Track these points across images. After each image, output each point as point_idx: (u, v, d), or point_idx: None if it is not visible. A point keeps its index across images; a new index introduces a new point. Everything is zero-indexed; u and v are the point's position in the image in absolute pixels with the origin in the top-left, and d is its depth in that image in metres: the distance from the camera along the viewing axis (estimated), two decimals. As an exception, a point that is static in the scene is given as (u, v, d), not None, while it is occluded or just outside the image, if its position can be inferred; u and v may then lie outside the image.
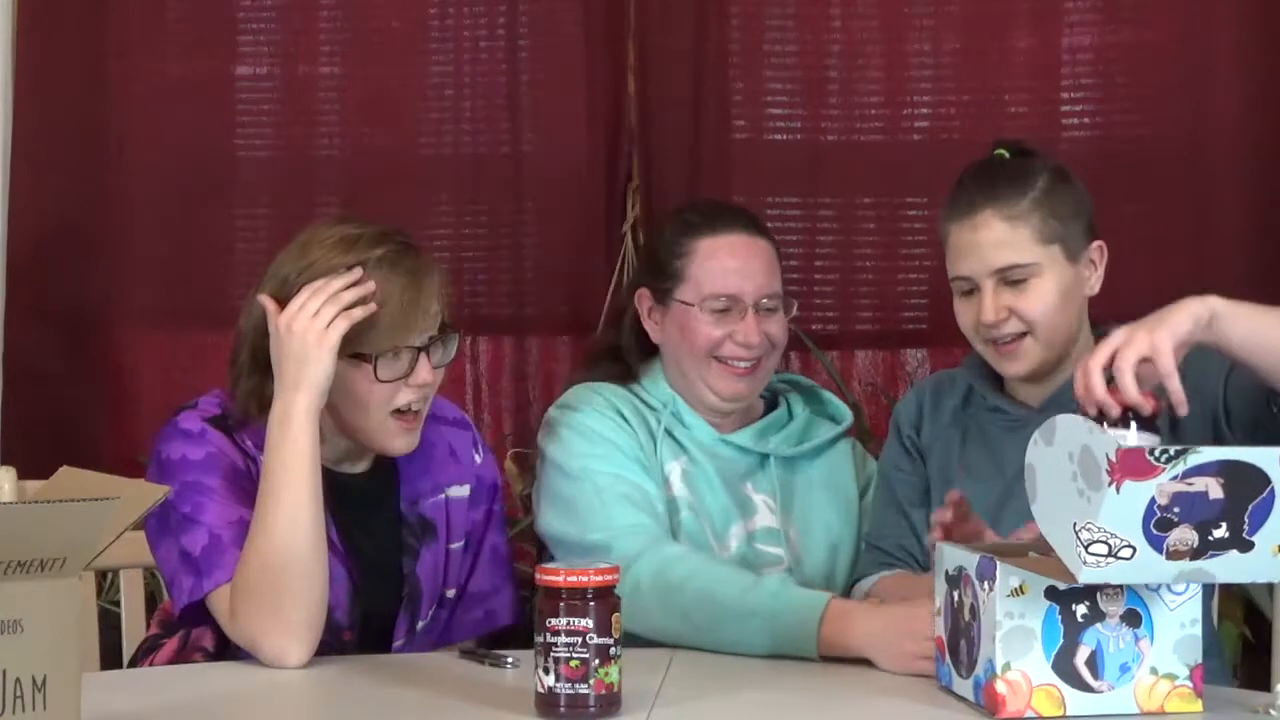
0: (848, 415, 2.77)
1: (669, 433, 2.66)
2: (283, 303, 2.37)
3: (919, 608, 2.20)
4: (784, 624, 2.31)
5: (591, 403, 2.66)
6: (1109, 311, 2.49)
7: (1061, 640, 1.98)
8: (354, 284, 2.36)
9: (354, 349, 2.37)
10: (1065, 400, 2.24)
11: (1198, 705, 2.01)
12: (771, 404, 2.78)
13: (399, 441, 2.44)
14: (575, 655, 1.97)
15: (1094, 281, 2.52)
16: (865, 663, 2.26)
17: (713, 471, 2.66)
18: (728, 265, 2.66)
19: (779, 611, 2.32)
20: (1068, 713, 1.99)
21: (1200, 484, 1.83)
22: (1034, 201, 2.45)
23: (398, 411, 2.42)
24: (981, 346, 2.51)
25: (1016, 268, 2.44)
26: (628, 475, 2.59)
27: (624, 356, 2.76)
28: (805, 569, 2.64)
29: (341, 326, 2.34)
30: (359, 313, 2.35)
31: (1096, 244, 2.51)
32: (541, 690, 2.00)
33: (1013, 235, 2.44)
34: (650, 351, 2.76)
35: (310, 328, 2.33)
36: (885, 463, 2.65)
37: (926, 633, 2.16)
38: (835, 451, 2.74)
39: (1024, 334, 2.46)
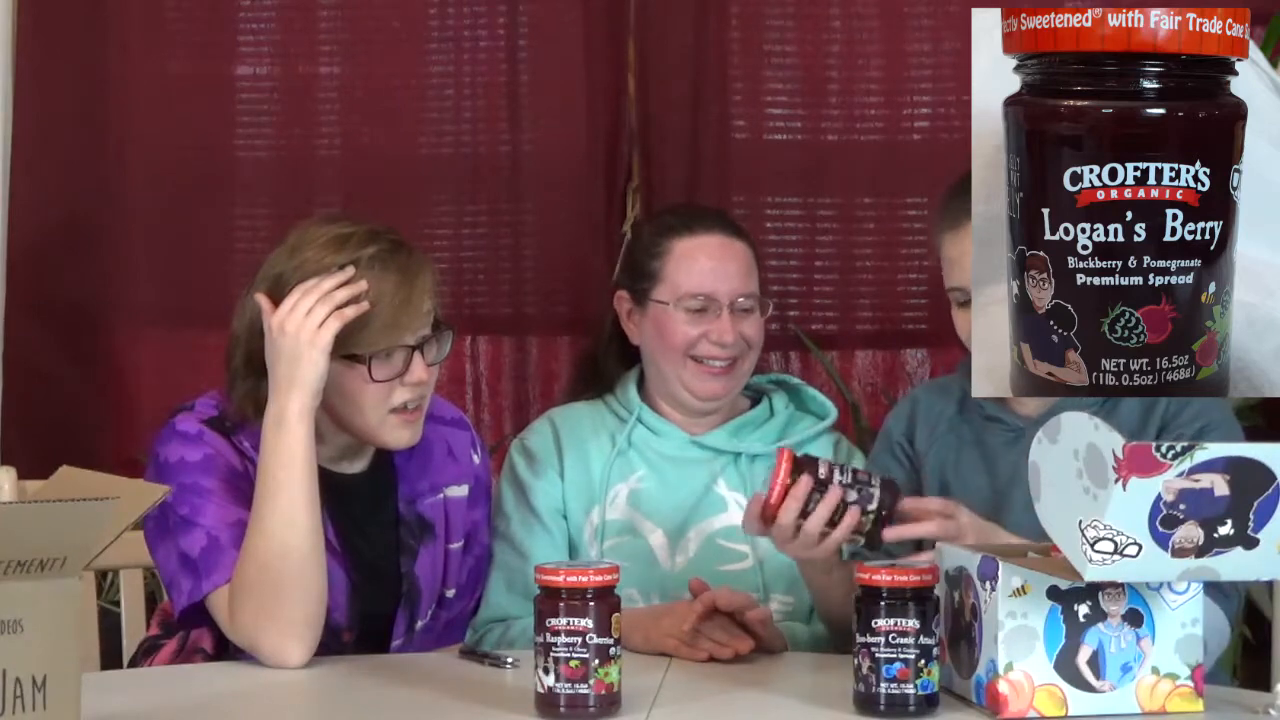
0: (832, 411, 2.77)
1: (626, 447, 2.69)
2: (277, 302, 2.36)
3: (678, 605, 2.40)
4: None
5: (530, 441, 2.71)
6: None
7: (1063, 640, 1.98)
8: (346, 283, 2.36)
9: (348, 349, 2.36)
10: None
11: (1199, 705, 2.01)
12: (756, 404, 2.79)
13: (401, 434, 2.44)
14: (575, 655, 1.97)
15: None
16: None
17: (677, 477, 2.68)
18: (704, 265, 2.68)
19: None
20: (1069, 713, 1.99)
21: (1206, 480, 1.83)
22: None
23: (394, 409, 2.42)
24: None
25: None
26: (525, 546, 2.62)
27: (602, 366, 2.79)
28: (768, 566, 2.64)
29: (334, 326, 2.33)
30: (351, 311, 2.34)
31: None
32: (541, 690, 1.99)
33: None
34: (631, 360, 2.78)
35: (303, 327, 2.32)
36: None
37: (679, 621, 2.35)
38: (815, 446, 2.74)
39: None
